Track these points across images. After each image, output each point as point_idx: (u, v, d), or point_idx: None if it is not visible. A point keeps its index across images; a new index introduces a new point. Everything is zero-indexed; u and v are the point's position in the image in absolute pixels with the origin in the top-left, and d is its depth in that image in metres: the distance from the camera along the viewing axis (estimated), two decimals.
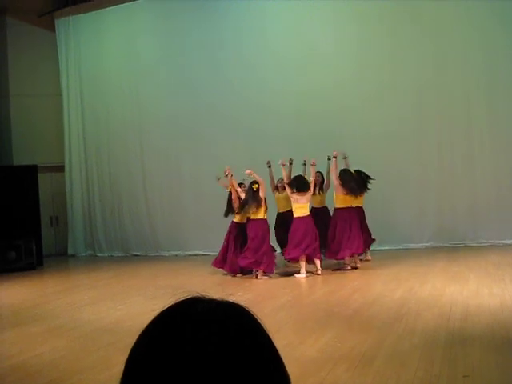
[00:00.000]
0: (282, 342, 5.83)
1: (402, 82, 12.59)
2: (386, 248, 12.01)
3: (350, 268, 10.45)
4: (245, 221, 10.78)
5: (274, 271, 10.49)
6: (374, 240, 11.30)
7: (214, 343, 0.81)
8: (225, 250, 10.84)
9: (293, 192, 10.41)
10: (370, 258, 11.20)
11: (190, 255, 13.78)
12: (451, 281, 8.73)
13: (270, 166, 11.44)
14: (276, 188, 11.62)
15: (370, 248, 11.37)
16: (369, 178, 10.81)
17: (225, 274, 10.80)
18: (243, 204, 10.47)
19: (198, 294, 0.90)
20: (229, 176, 10.70)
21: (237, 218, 10.87)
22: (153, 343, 0.85)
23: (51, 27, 15.92)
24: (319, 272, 10.23)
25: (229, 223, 11.04)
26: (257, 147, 13.35)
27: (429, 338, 5.88)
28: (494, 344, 5.55)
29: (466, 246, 11.90)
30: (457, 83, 12.26)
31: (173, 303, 0.89)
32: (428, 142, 12.50)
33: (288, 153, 12.76)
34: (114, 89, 15.29)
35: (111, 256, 15.18)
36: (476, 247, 11.71)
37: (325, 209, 11.38)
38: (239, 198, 10.67)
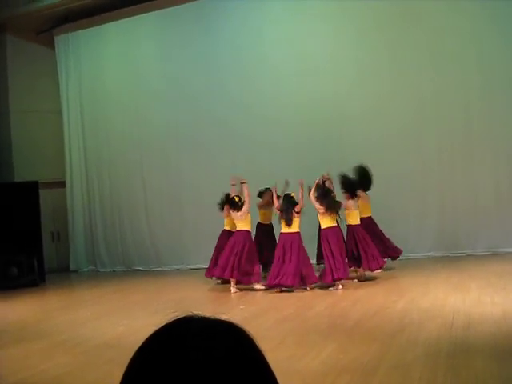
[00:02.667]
0: (285, 354, 5.85)
1: (401, 89, 12.61)
2: (387, 258, 12.00)
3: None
4: None
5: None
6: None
7: (219, 350, 0.84)
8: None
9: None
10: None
11: (192, 269, 13.77)
12: (453, 290, 8.72)
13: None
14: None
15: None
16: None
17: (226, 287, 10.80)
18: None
19: (190, 313, 0.92)
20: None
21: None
22: (152, 357, 0.85)
23: (51, 44, 16.04)
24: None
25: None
26: (257, 158, 13.43)
27: (431, 347, 5.88)
28: (496, 353, 5.55)
29: (467, 255, 11.89)
30: (455, 89, 12.26)
31: (166, 322, 0.91)
32: (427, 151, 12.51)
33: (288, 162, 12.84)
34: (113, 104, 15.37)
35: (113, 271, 15.18)
36: (477, 256, 11.69)
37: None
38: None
